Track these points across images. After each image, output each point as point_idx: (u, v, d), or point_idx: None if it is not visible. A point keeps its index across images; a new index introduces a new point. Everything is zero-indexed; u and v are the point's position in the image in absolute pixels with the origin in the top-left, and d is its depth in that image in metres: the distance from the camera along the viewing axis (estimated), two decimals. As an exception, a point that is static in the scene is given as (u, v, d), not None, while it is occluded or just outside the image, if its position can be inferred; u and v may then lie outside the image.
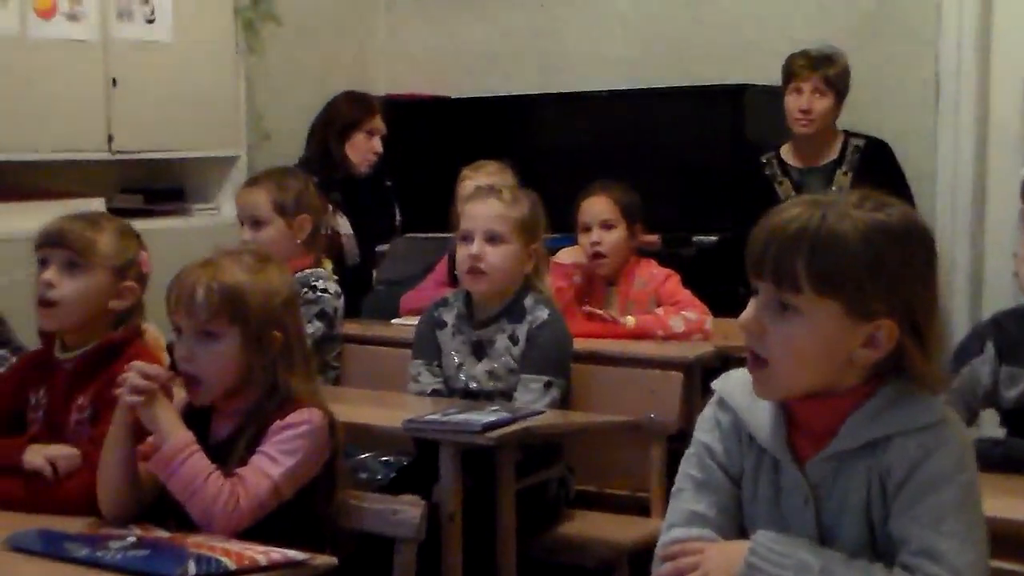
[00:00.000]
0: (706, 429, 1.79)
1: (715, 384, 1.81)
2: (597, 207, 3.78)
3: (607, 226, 3.76)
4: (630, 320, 3.62)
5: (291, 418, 2.12)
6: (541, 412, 2.80)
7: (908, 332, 1.61)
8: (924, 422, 1.62)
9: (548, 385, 2.96)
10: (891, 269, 1.60)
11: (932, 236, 1.68)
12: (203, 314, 2.13)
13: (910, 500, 1.60)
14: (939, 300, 1.66)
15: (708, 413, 1.80)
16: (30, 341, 2.50)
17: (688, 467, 1.78)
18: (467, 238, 3.05)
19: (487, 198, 3.08)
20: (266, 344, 2.16)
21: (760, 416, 1.72)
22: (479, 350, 3.06)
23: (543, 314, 3.03)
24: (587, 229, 3.78)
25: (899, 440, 1.62)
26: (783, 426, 1.70)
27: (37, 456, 2.23)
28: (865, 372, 1.65)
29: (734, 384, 1.77)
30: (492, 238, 3.02)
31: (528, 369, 2.98)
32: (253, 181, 3.60)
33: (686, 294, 3.74)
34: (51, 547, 1.92)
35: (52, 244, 2.40)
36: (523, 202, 3.09)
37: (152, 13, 4.57)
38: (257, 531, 2.05)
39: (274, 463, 2.09)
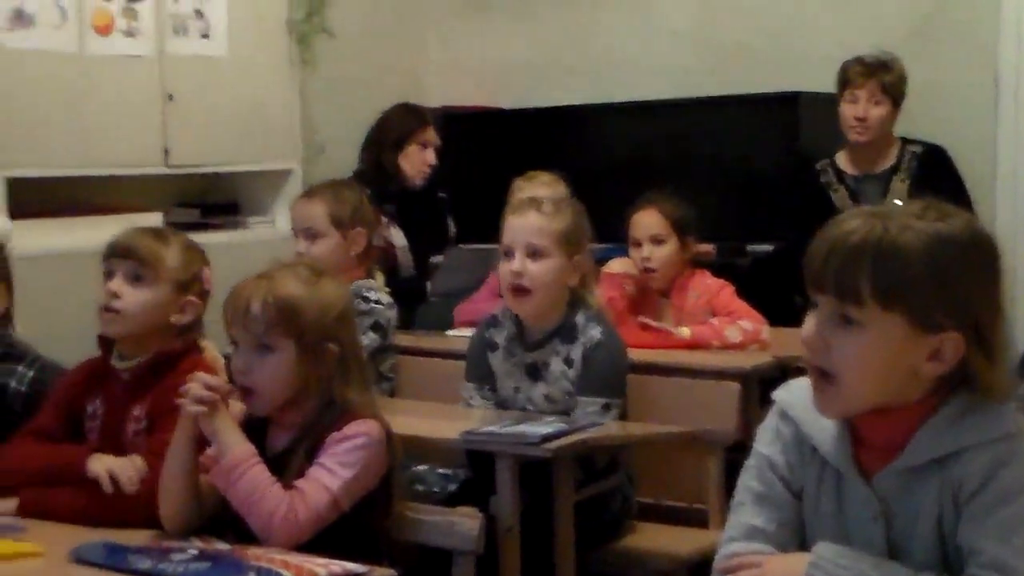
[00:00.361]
0: (767, 441, 1.76)
1: (776, 394, 1.79)
2: (647, 221, 3.74)
3: (657, 241, 3.72)
4: (685, 331, 3.59)
5: (348, 430, 2.13)
6: (599, 424, 2.79)
7: (974, 344, 1.59)
8: (997, 434, 1.59)
9: (606, 407, 2.92)
10: (956, 280, 1.57)
11: (996, 245, 1.65)
12: (259, 327, 2.14)
13: (982, 512, 1.58)
14: (1004, 309, 1.63)
15: (769, 424, 1.78)
16: (90, 354, 2.52)
17: (748, 480, 1.76)
18: (508, 253, 3.00)
19: (527, 211, 3.01)
20: (321, 357, 2.17)
21: (823, 429, 1.70)
22: (534, 372, 3.02)
23: (596, 333, 2.97)
24: (638, 244, 3.75)
25: (971, 452, 1.59)
26: (847, 439, 1.68)
27: (99, 466, 2.24)
28: (930, 384, 1.62)
29: (796, 395, 1.74)
30: (533, 252, 2.95)
31: (585, 391, 2.94)
32: (310, 193, 3.60)
33: (741, 304, 3.70)
34: (115, 559, 1.94)
35: (119, 255, 2.44)
36: (564, 213, 3.02)
37: (207, 28, 4.61)
38: (316, 543, 2.05)
39: (332, 475, 2.09)
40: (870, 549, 1.64)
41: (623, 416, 3.00)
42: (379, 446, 2.15)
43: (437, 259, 4.78)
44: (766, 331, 3.59)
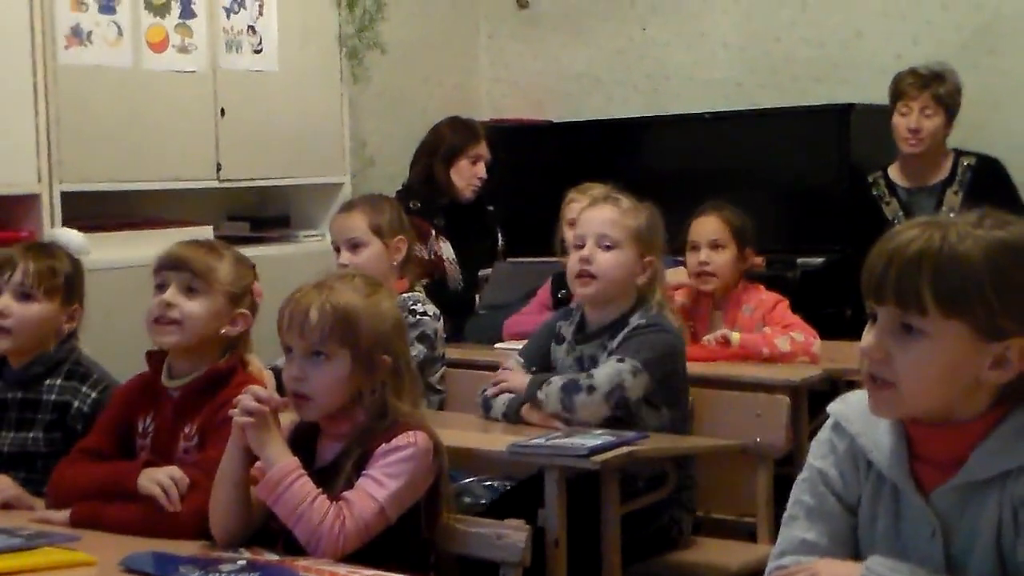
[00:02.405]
0: (821, 454, 1.74)
1: (831, 407, 1.77)
2: (707, 227, 3.76)
3: (716, 246, 3.73)
4: (735, 336, 3.57)
5: (397, 441, 2.13)
6: (646, 436, 2.77)
7: None
8: None
9: (620, 360, 2.87)
10: (1018, 286, 1.56)
11: None
12: (316, 335, 2.15)
13: None
14: None
15: (823, 437, 1.76)
16: (139, 368, 2.54)
17: (800, 493, 1.74)
18: (579, 243, 3.01)
19: (603, 204, 3.04)
20: (375, 368, 2.18)
21: (880, 443, 1.68)
22: (582, 366, 3.00)
23: (643, 322, 2.95)
24: (696, 248, 3.75)
25: None
26: (905, 454, 1.66)
27: (150, 482, 2.26)
28: (992, 395, 1.60)
29: (852, 408, 1.72)
30: (605, 244, 2.97)
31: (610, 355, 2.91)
32: (347, 206, 3.65)
33: (795, 319, 3.68)
34: (164, 569, 1.95)
35: (172, 267, 2.46)
36: (640, 212, 3.02)
37: (259, 44, 4.66)
38: (363, 555, 2.05)
39: (380, 486, 2.10)
40: (928, 566, 1.62)
41: (675, 427, 2.98)
42: (426, 457, 2.15)
43: (486, 272, 4.79)
44: (817, 345, 3.56)
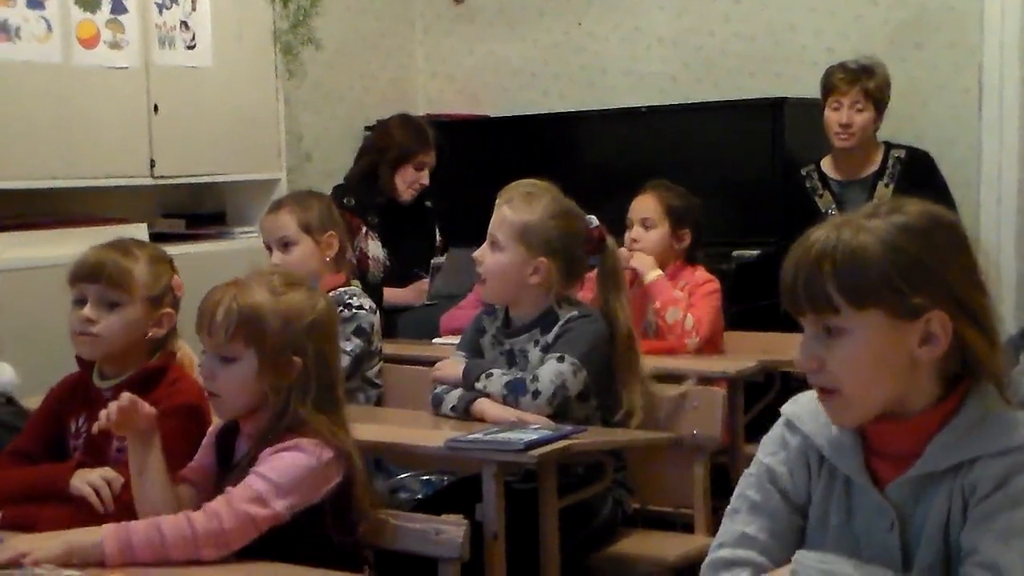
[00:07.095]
0: (771, 451, 1.76)
1: (784, 409, 1.78)
2: (642, 205, 3.82)
3: (647, 225, 3.77)
4: (650, 275, 3.66)
5: (282, 444, 2.08)
6: (583, 430, 2.78)
7: (963, 319, 1.59)
8: (1014, 443, 1.59)
9: (560, 359, 2.86)
10: (919, 261, 1.59)
11: (956, 221, 1.67)
12: (220, 336, 2.11)
13: (988, 514, 1.58)
14: (984, 282, 1.63)
15: (775, 434, 1.77)
16: (70, 367, 2.52)
17: (746, 488, 1.75)
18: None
19: (500, 205, 2.99)
20: (283, 368, 2.11)
21: (834, 439, 1.70)
22: (511, 359, 3.00)
23: (575, 312, 2.94)
24: (630, 226, 3.80)
25: (986, 459, 1.59)
26: (859, 449, 1.68)
27: (83, 484, 2.24)
28: (937, 380, 1.63)
29: (803, 408, 1.74)
30: (493, 243, 2.97)
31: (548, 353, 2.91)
32: (276, 205, 3.59)
33: (708, 306, 3.68)
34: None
35: (87, 280, 2.41)
36: (534, 207, 2.93)
37: (193, 39, 4.61)
38: (285, 556, 2.00)
39: (262, 479, 2.04)
40: (884, 558, 1.64)
41: (603, 416, 2.99)
42: (318, 462, 2.08)
43: (418, 270, 4.78)
44: (692, 343, 3.60)
